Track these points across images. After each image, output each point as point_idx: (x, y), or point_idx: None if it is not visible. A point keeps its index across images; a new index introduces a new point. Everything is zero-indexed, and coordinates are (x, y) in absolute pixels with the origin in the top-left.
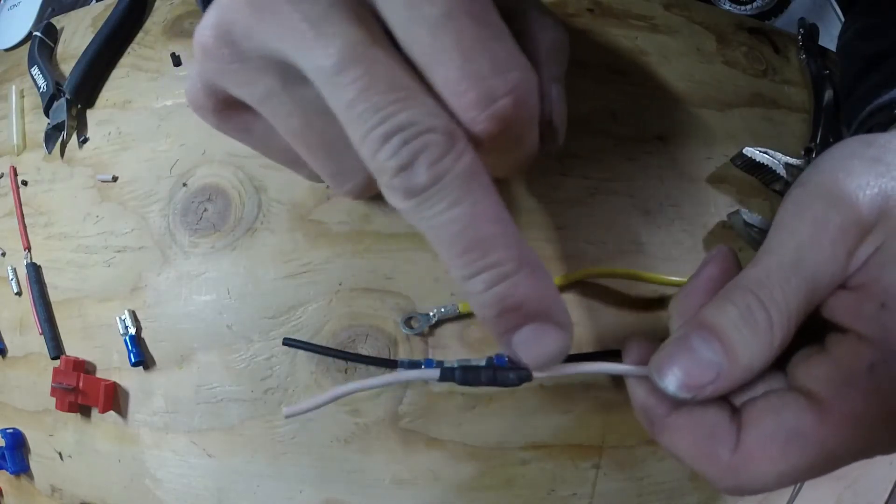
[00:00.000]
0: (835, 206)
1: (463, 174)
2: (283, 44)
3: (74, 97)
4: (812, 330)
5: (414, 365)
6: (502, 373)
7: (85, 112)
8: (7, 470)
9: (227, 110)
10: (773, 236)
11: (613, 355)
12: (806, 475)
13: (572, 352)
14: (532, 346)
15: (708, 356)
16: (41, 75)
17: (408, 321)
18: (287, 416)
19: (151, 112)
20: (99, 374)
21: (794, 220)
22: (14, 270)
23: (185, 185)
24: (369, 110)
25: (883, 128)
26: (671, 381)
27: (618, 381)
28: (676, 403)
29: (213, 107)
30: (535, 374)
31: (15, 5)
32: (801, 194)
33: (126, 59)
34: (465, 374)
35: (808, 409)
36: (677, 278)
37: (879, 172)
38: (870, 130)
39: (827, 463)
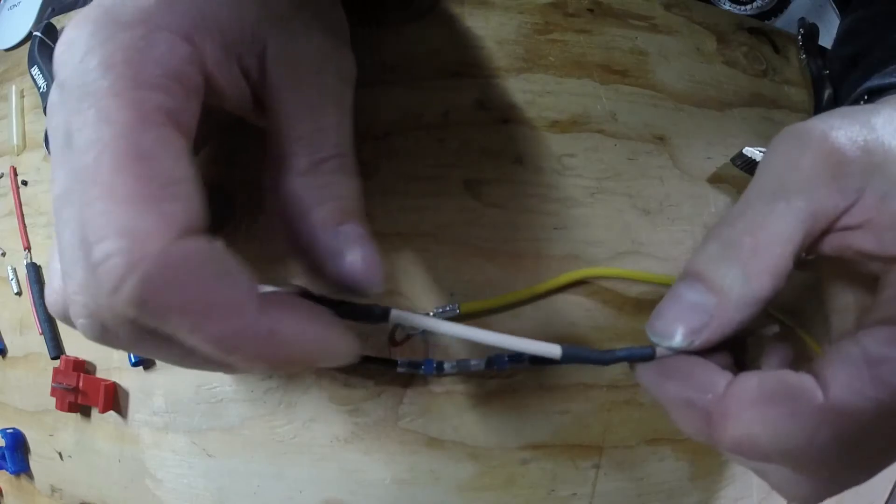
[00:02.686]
0: (809, 138)
1: None
2: None
3: None
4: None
5: (414, 365)
6: None
7: None
8: (7, 470)
9: None
10: (753, 178)
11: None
12: None
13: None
14: None
15: (694, 298)
16: (41, 75)
17: None
18: None
19: None
20: (99, 374)
21: (772, 156)
22: (14, 270)
23: None
24: None
25: None
26: (664, 332)
27: (617, 380)
28: (727, 380)
29: None
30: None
31: (15, 5)
32: (777, 139)
33: None
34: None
35: (888, 329)
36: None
37: (851, 121)
38: None
39: None
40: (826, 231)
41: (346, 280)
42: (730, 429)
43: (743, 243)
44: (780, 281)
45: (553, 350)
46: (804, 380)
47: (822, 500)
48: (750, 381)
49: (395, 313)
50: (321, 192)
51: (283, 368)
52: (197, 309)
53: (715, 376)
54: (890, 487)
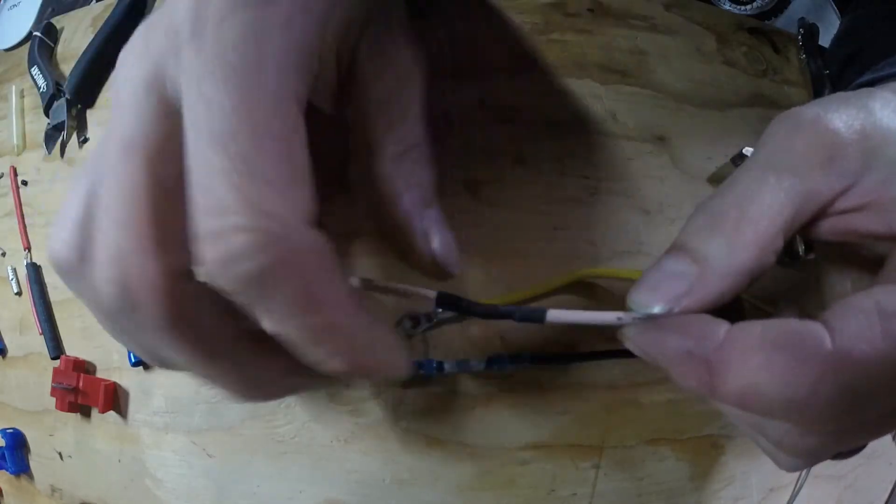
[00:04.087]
0: (804, 121)
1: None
2: None
3: (74, 97)
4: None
5: (414, 365)
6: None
7: (85, 112)
8: (7, 470)
9: None
10: (747, 159)
11: (613, 355)
12: None
13: (573, 351)
14: None
15: (676, 268)
16: (41, 75)
17: (408, 321)
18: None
19: None
20: (99, 374)
21: (766, 139)
22: (14, 270)
23: None
24: None
25: None
26: (644, 301)
27: (617, 380)
28: (726, 328)
29: None
30: (549, 318)
31: (15, 5)
32: (773, 123)
33: None
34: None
35: None
36: None
37: (847, 105)
38: None
39: None
40: (821, 214)
41: (437, 260)
42: (732, 378)
43: (729, 215)
44: (765, 255)
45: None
46: (811, 326)
47: (824, 456)
48: (752, 328)
49: (552, 314)
50: (408, 178)
51: (350, 371)
52: (306, 297)
53: (714, 325)
54: (890, 487)
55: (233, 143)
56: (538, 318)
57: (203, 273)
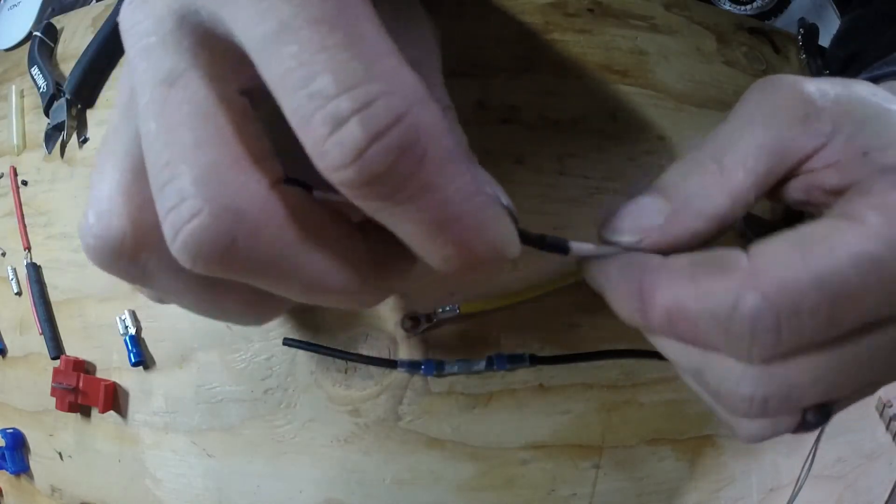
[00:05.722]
0: (781, 85)
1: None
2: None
3: (74, 97)
4: None
5: (414, 365)
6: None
7: (85, 112)
8: (7, 470)
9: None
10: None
11: (614, 355)
12: (847, 285)
13: (573, 351)
14: None
15: (651, 205)
16: (41, 75)
17: (408, 321)
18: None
19: None
20: (99, 374)
21: (743, 100)
22: (14, 270)
23: None
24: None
25: None
26: (617, 229)
27: (617, 380)
28: (659, 258)
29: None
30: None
31: (15, 5)
32: (751, 87)
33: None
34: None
35: (828, 220)
36: None
37: (826, 80)
38: None
39: (873, 265)
40: (792, 174)
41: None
42: (658, 298)
43: (706, 164)
44: (736, 207)
45: None
46: (734, 251)
47: (767, 405)
48: (682, 256)
49: (574, 245)
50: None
51: (465, 260)
52: (448, 161)
53: (650, 256)
54: (890, 487)
55: (333, 26)
56: (563, 246)
57: (342, 166)
